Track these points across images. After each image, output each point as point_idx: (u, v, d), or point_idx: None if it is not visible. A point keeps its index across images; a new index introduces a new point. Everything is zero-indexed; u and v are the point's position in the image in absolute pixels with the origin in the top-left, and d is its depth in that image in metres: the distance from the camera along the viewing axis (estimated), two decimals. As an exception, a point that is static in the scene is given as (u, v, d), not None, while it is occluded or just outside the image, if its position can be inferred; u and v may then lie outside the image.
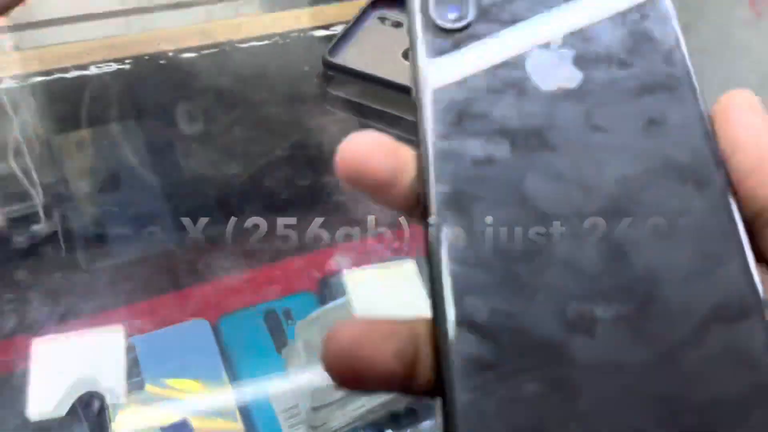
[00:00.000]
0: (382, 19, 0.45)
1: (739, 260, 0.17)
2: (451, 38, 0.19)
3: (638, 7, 0.19)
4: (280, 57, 0.54)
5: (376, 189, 0.18)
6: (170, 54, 0.53)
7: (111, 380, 0.42)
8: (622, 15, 0.19)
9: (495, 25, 0.19)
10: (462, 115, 0.18)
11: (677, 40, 0.19)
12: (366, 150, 0.18)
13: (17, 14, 0.51)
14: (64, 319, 0.42)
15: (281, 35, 0.54)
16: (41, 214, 0.45)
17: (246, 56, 0.53)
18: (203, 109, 0.51)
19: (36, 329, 0.42)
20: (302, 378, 0.43)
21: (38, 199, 0.46)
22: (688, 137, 0.18)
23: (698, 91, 0.19)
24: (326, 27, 0.52)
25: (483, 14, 0.19)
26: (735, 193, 0.17)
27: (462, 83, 0.19)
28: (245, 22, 0.56)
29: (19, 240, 0.44)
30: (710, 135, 0.18)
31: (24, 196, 0.46)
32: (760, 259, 0.17)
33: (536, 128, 0.18)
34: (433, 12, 0.19)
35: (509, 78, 0.19)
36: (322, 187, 0.48)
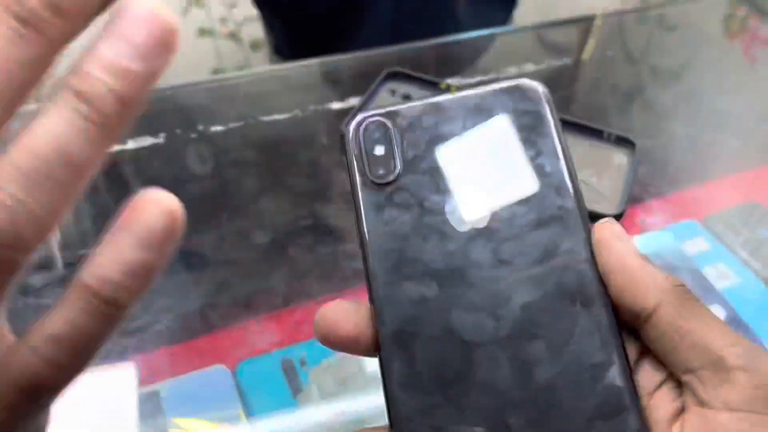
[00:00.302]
0: (392, 92, 0.50)
1: (617, 365, 0.21)
2: (384, 191, 0.24)
3: (533, 145, 0.24)
4: (300, 130, 0.58)
5: (347, 344, 0.24)
6: (200, 128, 0.58)
7: (123, 419, 0.44)
8: (520, 155, 0.24)
9: (417, 176, 0.24)
10: (398, 261, 0.23)
11: (567, 172, 0.24)
12: (335, 318, 0.23)
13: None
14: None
15: (301, 108, 0.59)
16: (59, 259, 0.49)
17: (269, 129, 0.58)
18: (229, 179, 0.55)
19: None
20: (317, 422, 0.45)
21: (56, 242, 0.50)
22: (575, 264, 0.23)
23: (585, 217, 0.24)
24: (342, 100, 0.57)
25: (407, 168, 0.24)
26: (613, 308, 0.22)
27: (395, 230, 0.24)
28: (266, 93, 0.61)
29: (35, 282, 0.48)
30: (591, 261, 0.23)
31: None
32: (645, 350, 0.23)
33: (456, 267, 0.23)
34: (368, 171, 0.24)
35: (432, 223, 0.24)
36: (341, 253, 0.52)
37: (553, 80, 0.76)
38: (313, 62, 0.65)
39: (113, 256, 0.16)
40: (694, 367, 0.21)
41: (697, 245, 0.59)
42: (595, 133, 0.42)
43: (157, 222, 0.16)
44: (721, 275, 0.57)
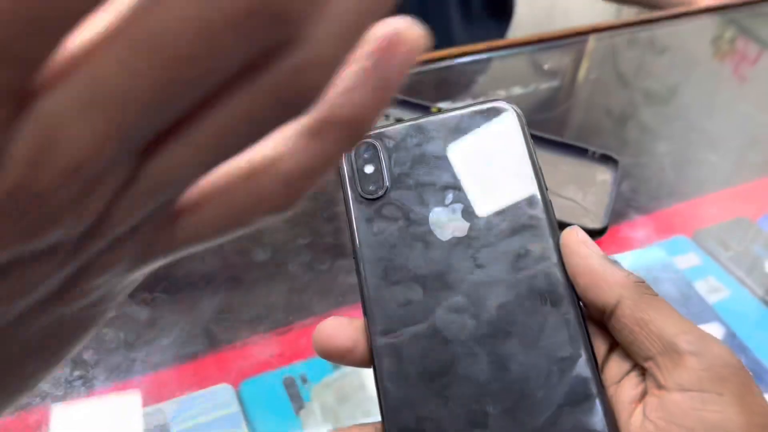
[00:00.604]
0: (386, 116, 0.52)
1: (584, 357, 0.24)
2: (374, 205, 0.26)
3: (506, 160, 0.27)
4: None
5: (343, 354, 0.26)
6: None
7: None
8: (495, 170, 0.27)
9: (404, 191, 0.27)
10: (387, 267, 0.26)
11: (538, 185, 0.26)
12: (331, 332, 0.26)
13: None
14: (92, 387, 0.47)
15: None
16: None
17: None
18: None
19: (60, 398, 0.46)
20: (318, 437, 0.46)
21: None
22: (546, 268, 0.25)
23: (554, 225, 0.26)
24: None
25: (395, 184, 0.27)
26: (581, 306, 0.25)
27: (384, 240, 0.26)
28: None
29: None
30: (560, 264, 0.25)
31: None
32: (615, 344, 0.25)
33: (439, 272, 0.26)
34: (359, 187, 0.26)
35: (417, 233, 0.26)
36: (339, 269, 0.53)
37: (546, 101, 0.78)
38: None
39: (362, 95, 0.13)
40: (653, 354, 0.23)
41: (688, 260, 0.60)
42: (581, 152, 0.44)
43: (405, 67, 0.13)
44: (713, 289, 0.58)
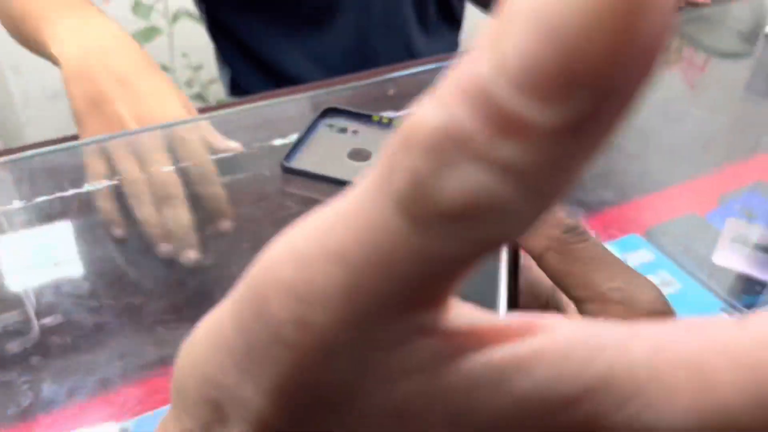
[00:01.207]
0: (330, 126, 0.54)
1: (503, 297, 0.24)
2: None
3: None
4: (244, 165, 0.62)
5: None
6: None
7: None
8: None
9: None
10: None
11: None
12: None
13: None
14: (55, 406, 0.47)
15: (246, 145, 0.62)
16: (35, 325, 0.51)
17: (219, 168, 0.61)
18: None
19: (28, 417, 0.46)
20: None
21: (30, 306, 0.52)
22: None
23: None
24: (283, 136, 0.60)
25: None
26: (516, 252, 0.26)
27: None
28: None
29: (11, 348, 0.49)
30: None
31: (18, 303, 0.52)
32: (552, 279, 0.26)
33: None
34: None
35: None
36: None
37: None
38: (258, 104, 0.69)
39: None
40: (583, 300, 0.24)
41: (640, 257, 0.62)
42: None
43: None
44: (665, 283, 0.60)
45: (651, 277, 0.62)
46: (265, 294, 0.12)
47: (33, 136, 1.66)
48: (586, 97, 0.09)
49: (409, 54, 1.04)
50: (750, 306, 0.57)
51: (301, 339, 0.11)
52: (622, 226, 0.64)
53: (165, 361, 0.49)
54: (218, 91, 1.71)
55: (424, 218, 0.10)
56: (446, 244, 0.10)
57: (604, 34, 0.08)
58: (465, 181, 0.09)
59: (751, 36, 1.00)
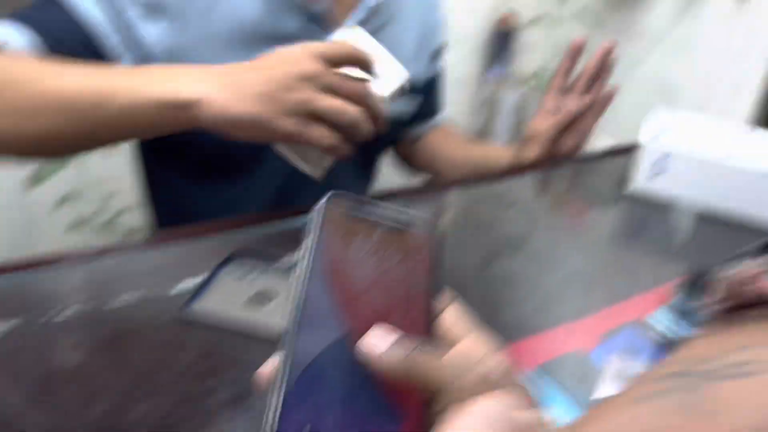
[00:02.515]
0: (229, 274, 0.55)
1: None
2: None
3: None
4: (145, 313, 0.62)
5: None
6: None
7: None
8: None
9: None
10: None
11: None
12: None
13: None
14: None
15: (147, 290, 0.63)
16: None
17: (115, 315, 0.61)
18: (78, 362, 0.57)
19: None
20: None
21: None
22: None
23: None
24: (183, 282, 0.61)
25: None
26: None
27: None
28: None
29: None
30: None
31: None
32: None
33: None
34: None
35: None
36: (181, 416, 0.53)
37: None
38: (167, 245, 0.69)
39: None
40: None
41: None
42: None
43: None
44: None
45: (548, 409, 0.64)
46: None
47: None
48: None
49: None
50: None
51: None
52: (516, 361, 0.67)
53: None
54: (129, 219, 1.70)
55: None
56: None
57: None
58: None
59: (621, 185, 1.10)
